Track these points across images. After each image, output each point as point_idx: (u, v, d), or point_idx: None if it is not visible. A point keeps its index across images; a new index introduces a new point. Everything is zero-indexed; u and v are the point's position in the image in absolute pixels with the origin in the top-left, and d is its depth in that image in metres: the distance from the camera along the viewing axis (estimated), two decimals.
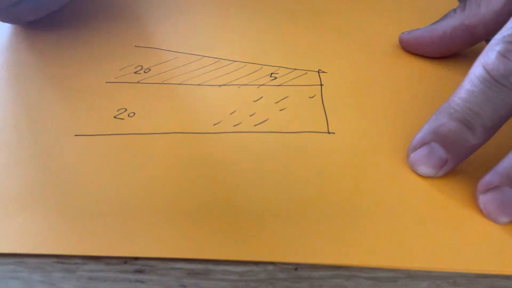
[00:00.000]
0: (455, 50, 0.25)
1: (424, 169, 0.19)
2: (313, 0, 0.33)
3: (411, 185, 0.19)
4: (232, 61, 0.26)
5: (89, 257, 0.16)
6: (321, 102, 0.23)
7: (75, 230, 0.17)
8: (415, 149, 0.19)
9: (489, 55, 0.17)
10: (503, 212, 0.17)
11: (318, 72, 0.25)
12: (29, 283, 0.16)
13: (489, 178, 0.17)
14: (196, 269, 0.16)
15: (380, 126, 0.22)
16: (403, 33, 0.27)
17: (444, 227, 0.17)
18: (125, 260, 0.16)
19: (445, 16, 0.24)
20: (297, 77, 0.25)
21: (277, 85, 0.24)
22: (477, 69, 0.17)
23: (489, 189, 0.17)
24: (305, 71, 0.25)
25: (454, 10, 0.24)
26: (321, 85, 0.24)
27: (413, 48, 0.26)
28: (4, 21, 0.27)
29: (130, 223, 0.17)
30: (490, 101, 0.17)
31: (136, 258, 0.16)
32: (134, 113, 0.22)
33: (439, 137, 0.18)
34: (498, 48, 0.17)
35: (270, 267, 0.16)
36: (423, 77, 0.25)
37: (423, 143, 0.19)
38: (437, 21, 0.25)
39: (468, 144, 0.18)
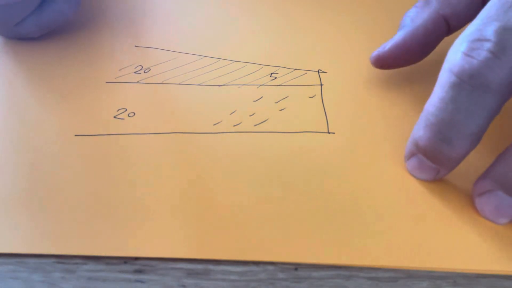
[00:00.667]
0: (435, 46, 0.23)
1: (420, 177, 0.19)
2: (313, 0, 0.32)
3: (411, 185, 0.19)
4: (232, 61, 0.26)
5: (89, 257, 0.16)
6: (321, 102, 0.23)
7: (75, 230, 0.17)
8: (407, 158, 0.19)
9: (454, 57, 0.16)
10: (499, 214, 0.17)
11: (318, 72, 0.25)
12: (29, 283, 0.16)
13: (481, 182, 0.17)
14: (196, 269, 0.16)
15: (380, 126, 0.22)
16: (375, 51, 0.23)
17: (444, 227, 0.17)
18: (125, 260, 0.16)
19: (412, 16, 0.22)
20: (297, 77, 0.25)
21: (277, 85, 0.24)
22: (444, 74, 0.16)
23: (482, 193, 0.17)
24: (305, 71, 0.25)
25: (417, 6, 0.22)
26: (321, 85, 0.24)
27: (396, 60, 0.23)
28: (9, 37, 0.28)
29: (130, 223, 0.17)
30: (462, 106, 0.16)
31: (136, 258, 0.16)
32: (134, 113, 0.22)
33: (420, 151, 0.18)
34: (462, 48, 0.16)
35: (270, 267, 0.16)
36: (423, 76, 0.25)
37: (411, 154, 0.18)
38: (405, 24, 0.23)
39: (449, 157, 0.17)
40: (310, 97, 0.23)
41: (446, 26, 0.22)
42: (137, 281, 0.16)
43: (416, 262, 0.16)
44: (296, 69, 0.26)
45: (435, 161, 0.17)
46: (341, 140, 0.21)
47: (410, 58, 0.23)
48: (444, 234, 0.17)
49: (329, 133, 0.21)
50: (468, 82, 0.15)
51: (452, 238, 0.17)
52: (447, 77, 0.16)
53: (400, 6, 0.31)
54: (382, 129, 0.21)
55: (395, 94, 0.24)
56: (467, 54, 0.16)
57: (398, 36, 0.22)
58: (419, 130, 0.18)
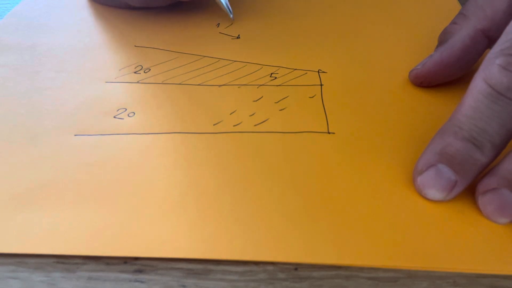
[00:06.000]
0: (476, 60, 0.23)
1: (433, 193, 0.18)
2: (314, 0, 0.33)
3: (411, 185, 0.19)
4: (232, 61, 0.26)
5: (89, 257, 0.16)
6: (321, 102, 0.23)
7: (75, 230, 0.17)
8: (421, 172, 0.18)
9: (490, 69, 0.16)
10: (501, 213, 0.17)
11: (318, 72, 0.25)
12: (29, 283, 0.16)
13: (488, 180, 0.17)
14: (196, 269, 0.16)
15: (380, 126, 0.22)
16: (413, 69, 0.24)
17: (444, 227, 0.17)
18: (125, 260, 0.16)
19: (448, 34, 0.23)
20: (297, 77, 0.25)
21: (277, 85, 0.24)
22: (479, 84, 0.17)
23: (487, 191, 0.17)
24: (305, 71, 0.25)
25: (454, 22, 0.23)
26: (321, 85, 0.24)
27: (435, 77, 0.23)
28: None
29: (130, 223, 0.17)
30: (496, 116, 0.16)
31: (136, 258, 0.16)
32: (134, 113, 0.22)
33: (446, 158, 0.17)
34: (498, 61, 0.16)
35: (270, 267, 0.16)
36: None
37: (429, 166, 0.18)
38: (443, 41, 0.23)
39: (478, 163, 0.17)
40: (310, 97, 0.23)
41: (486, 39, 0.22)
42: (137, 281, 0.16)
43: (416, 262, 0.16)
44: (296, 69, 0.26)
45: (460, 169, 0.17)
46: (341, 140, 0.21)
47: (450, 74, 0.23)
48: (444, 234, 0.17)
49: (329, 133, 0.21)
50: (505, 94, 0.16)
51: (452, 238, 0.17)
52: (482, 88, 0.17)
53: (399, 5, 0.32)
54: (382, 129, 0.21)
55: (395, 94, 0.24)
56: (505, 67, 0.16)
57: (436, 53, 0.23)
58: (445, 138, 0.17)
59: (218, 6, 0.28)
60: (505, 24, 0.18)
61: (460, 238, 0.17)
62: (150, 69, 0.26)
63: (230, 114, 0.22)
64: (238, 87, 0.24)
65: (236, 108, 0.23)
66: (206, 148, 0.20)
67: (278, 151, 0.20)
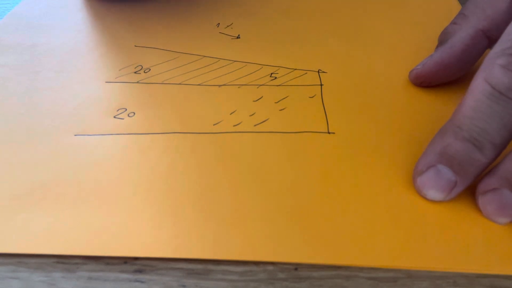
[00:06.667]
0: (476, 59, 0.23)
1: (433, 194, 0.18)
2: (314, 0, 0.33)
3: (411, 185, 0.19)
4: (232, 61, 0.26)
5: (89, 257, 0.16)
6: (321, 102, 0.23)
7: (75, 230, 0.17)
8: (420, 173, 0.18)
9: (491, 69, 0.16)
10: (501, 213, 0.17)
11: (318, 72, 0.25)
12: (29, 283, 0.16)
13: (488, 180, 0.17)
14: (196, 269, 0.16)
15: (380, 126, 0.22)
16: (414, 69, 0.24)
17: (444, 227, 0.17)
18: (125, 260, 0.16)
19: (449, 34, 0.23)
20: (297, 77, 0.25)
21: (277, 85, 0.24)
22: (480, 84, 0.17)
23: (487, 191, 0.17)
24: (305, 71, 0.25)
25: (455, 22, 0.23)
26: (321, 85, 0.24)
27: (435, 77, 0.23)
28: None
29: (130, 223, 0.17)
30: (497, 116, 0.16)
31: (136, 258, 0.16)
32: (134, 113, 0.22)
33: (446, 159, 0.17)
34: (499, 61, 0.16)
35: (270, 267, 0.16)
36: None
37: (429, 166, 0.18)
38: (443, 41, 0.23)
39: (478, 164, 0.17)
40: (310, 97, 0.23)
41: (486, 39, 0.22)
42: (137, 281, 0.16)
43: (416, 262, 0.16)
44: (296, 69, 0.26)
45: (460, 170, 0.17)
46: (341, 140, 0.21)
47: (450, 74, 0.23)
48: (444, 234, 0.17)
49: (329, 133, 0.21)
50: (506, 94, 0.16)
51: (452, 238, 0.17)
52: (483, 88, 0.17)
53: (399, 6, 0.32)
54: (382, 129, 0.21)
55: (395, 94, 0.24)
56: (506, 67, 0.16)
57: (436, 53, 0.23)
58: (445, 138, 0.17)
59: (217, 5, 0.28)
60: (506, 24, 0.18)
61: (460, 238, 0.17)
62: (150, 69, 0.26)
63: (230, 114, 0.22)
64: (238, 87, 0.24)
65: (236, 108, 0.23)
66: (206, 148, 0.20)
67: (278, 151, 0.20)
